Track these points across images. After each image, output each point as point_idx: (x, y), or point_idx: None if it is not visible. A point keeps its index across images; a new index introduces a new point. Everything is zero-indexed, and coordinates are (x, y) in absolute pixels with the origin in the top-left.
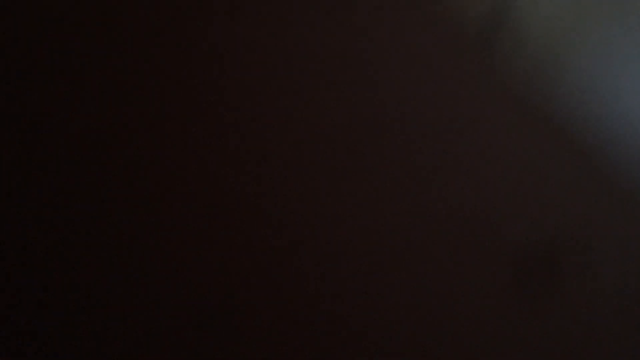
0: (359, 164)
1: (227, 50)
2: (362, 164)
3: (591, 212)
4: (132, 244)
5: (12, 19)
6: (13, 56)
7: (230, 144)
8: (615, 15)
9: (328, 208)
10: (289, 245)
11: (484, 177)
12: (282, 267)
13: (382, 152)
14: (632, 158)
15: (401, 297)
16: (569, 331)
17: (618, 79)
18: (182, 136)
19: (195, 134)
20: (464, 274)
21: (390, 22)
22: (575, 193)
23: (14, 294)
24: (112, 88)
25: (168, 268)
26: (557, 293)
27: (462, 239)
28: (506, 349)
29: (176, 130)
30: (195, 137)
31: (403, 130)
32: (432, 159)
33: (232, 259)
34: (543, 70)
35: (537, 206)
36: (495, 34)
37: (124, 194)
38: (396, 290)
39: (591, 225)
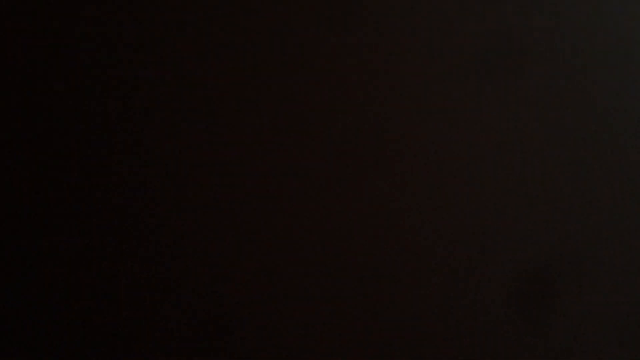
0: (362, 177)
1: (230, 51)
2: (366, 174)
3: (586, 231)
4: (131, 244)
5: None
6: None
7: (230, 144)
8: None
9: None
10: (289, 248)
11: (481, 197)
12: (282, 268)
13: (389, 169)
14: (626, 182)
15: (400, 311)
16: (567, 349)
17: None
18: (182, 136)
19: (196, 134)
20: (462, 293)
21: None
22: (570, 213)
23: (13, 294)
24: (115, 88)
25: (167, 268)
26: (553, 311)
27: (460, 258)
28: None
29: (175, 130)
30: (196, 137)
31: (406, 149)
32: (431, 179)
33: (230, 259)
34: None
35: (533, 226)
36: (496, 58)
37: (123, 194)
38: (395, 305)
39: (586, 244)
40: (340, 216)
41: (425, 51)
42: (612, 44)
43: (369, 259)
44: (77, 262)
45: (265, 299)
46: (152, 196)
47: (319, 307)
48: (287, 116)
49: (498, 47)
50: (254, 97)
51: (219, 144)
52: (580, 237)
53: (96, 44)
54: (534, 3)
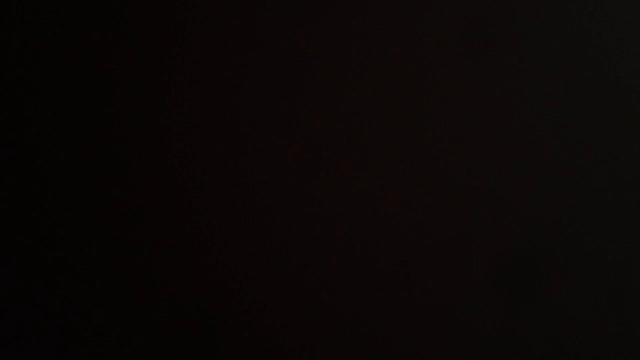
0: (346, 166)
1: (227, 52)
2: (349, 166)
3: (571, 214)
4: (129, 244)
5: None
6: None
7: (229, 144)
8: None
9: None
10: (281, 245)
11: (466, 184)
12: (278, 268)
13: (371, 155)
14: (608, 164)
15: (388, 297)
16: (551, 330)
17: None
18: (182, 136)
19: (195, 134)
20: (448, 276)
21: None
22: (554, 196)
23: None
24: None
25: (166, 268)
26: (538, 293)
27: (447, 241)
28: (490, 347)
29: (175, 130)
30: (194, 137)
31: (394, 134)
32: (415, 167)
33: (229, 258)
34: None
35: (518, 212)
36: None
37: (121, 194)
38: (382, 291)
39: (571, 227)
40: (324, 208)
41: (407, 36)
42: (593, 27)
43: (355, 250)
44: (68, 261)
45: (249, 299)
46: (149, 195)
47: (305, 302)
48: (267, 108)
49: (479, 32)
50: (241, 96)
51: (208, 142)
52: (565, 223)
53: (96, 44)
54: None
